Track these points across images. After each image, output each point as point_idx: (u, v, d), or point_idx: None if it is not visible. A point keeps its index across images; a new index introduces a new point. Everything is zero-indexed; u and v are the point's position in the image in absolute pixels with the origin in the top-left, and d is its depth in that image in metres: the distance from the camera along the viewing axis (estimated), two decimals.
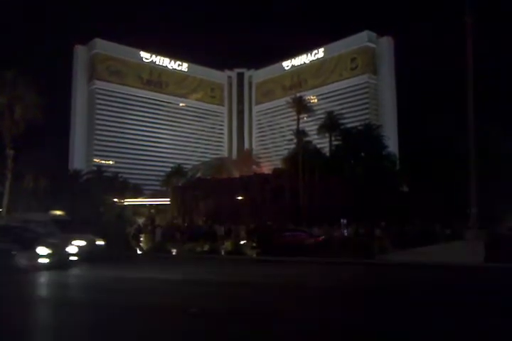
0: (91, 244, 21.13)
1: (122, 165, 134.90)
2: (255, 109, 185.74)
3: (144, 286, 13.07)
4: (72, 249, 17.66)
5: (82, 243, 20.40)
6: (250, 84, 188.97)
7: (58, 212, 23.87)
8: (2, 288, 12.48)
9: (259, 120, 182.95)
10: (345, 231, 35.89)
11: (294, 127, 57.84)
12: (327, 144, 57.16)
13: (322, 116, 58.59)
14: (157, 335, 7.22)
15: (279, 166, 65.77)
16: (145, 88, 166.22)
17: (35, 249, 16.12)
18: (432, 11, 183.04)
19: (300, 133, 53.30)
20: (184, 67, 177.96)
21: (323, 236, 26.06)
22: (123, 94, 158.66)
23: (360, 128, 55.55)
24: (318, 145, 59.67)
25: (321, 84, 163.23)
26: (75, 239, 20.27)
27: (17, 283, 13.59)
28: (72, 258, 17.94)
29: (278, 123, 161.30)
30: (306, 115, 59.85)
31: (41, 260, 16.08)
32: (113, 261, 21.02)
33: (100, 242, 22.26)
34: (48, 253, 16.20)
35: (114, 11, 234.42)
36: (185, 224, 47.69)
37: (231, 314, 8.68)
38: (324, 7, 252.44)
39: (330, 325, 7.87)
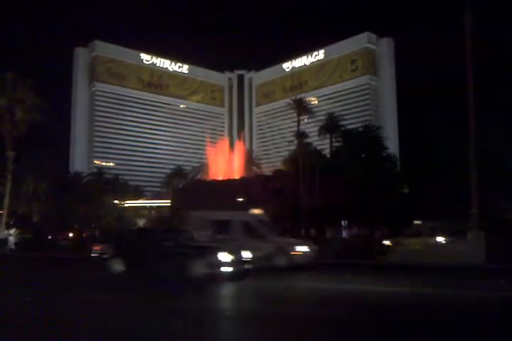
0: (312, 249, 18.27)
1: (123, 167, 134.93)
2: (255, 110, 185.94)
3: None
4: (247, 254, 14.91)
5: (305, 248, 17.79)
6: (250, 85, 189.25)
7: (258, 211, 20.58)
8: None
9: (259, 121, 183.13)
10: (344, 232, 36.00)
11: (295, 129, 57.87)
12: (327, 145, 57.15)
13: (322, 117, 58.58)
14: None
15: (280, 168, 65.76)
16: (145, 90, 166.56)
17: (216, 254, 13.62)
18: (432, 12, 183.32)
19: (300, 135, 53.26)
20: (184, 68, 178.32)
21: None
22: (123, 96, 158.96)
23: (360, 129, 55.52)
24: (319, 147, 59.70)
25: (321, 85, 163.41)
26: (298, 244, 17.96)
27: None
28: (246, 266, 14.90)
29: (278, 125, 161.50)
30: (306, 116, 59.88)
31: (224, 268, 13.57)
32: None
33: (315, 247, 19.29)
34: (232, 261, 13.72)
35: (114, 13, 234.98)
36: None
37: None
38: (324, 8, 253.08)
39: None
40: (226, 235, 17.47)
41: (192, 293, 11.99)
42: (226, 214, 20.33)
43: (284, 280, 14.80)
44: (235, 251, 14.26)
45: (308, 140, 57.13)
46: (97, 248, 15.94)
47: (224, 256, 13.63)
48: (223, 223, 18.33)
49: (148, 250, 14.54)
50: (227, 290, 13.10)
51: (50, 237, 36.14)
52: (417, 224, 35.44)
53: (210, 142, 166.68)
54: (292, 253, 17.08)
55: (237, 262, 14.01)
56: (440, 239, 26.14)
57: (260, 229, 18.10)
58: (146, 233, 16.53)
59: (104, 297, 11.03)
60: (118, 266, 14.59)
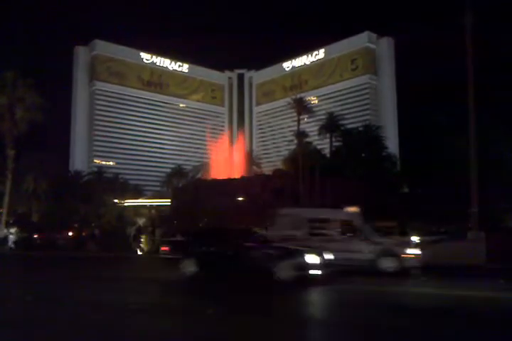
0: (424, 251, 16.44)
1: (123, 166, 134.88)
2: (256, 109, 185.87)
3: None
4: (329, 256, 13.73)
5: (417, 251, 16.05)
6: (251, 85, 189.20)
7: (354, 209, 18.39)
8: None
9: (259, 121, 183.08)
10: None
11: (295, 128, 57.94)
12: (327, 145, 57.20)
13: (322, 117, 58.64)
14: None
15: (280, 167, 65.77)
16: (145, 89, 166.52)
17: (303, 256, 12.75)
18: (432, 12, 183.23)
19: (300, 134, 53.32)
20: (184, 67, 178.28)
21: None
22: (123, 95, 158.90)
23: (360, 129, 55.58)
24: (319, 146, 59.74)
25: (321, 85, 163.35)
26: (408, 246, 16.30)
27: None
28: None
29: (278, 124, 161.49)
30: (306, 116, 59.94)
31: (312, 271, 12.68)
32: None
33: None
34: (321, 263, 12.83)
35: (114, 12, 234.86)
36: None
37: None
38: (324, 8, 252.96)
39: None
40: (323, 235, 16.28)
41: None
42: (323, 212, 18.71)
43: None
44: (322, 252, 13.36)
45: (308, 139, 57.18)
46: (165, 248, 15.15)
47: (312, 258, 12.76)
48: (320, 222, 16.88)
49: (226, 250, 13.65)
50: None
51: (35, 236, 35.94)
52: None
53: (210, 141, 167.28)
54: (403, 255, 15.52)
55: (326, 264, 13.12)
56: (414, 238, 26.12)
57: (364, 229, 16.54)
58: (221, 232, 15.62)
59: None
60: (191, 268, 13.79)
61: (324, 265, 12.99)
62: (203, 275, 13.79)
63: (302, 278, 12.56)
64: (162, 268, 16.12)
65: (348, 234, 16.19)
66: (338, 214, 17.63)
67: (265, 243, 14.12)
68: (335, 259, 13.87)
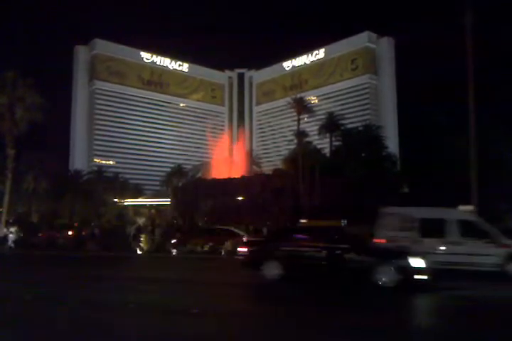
0: None
1: (123, 166, 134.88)
2: (256, 109, 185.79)
3: None
4: (439, 260, 12.80)
5: None
6: (251, 84, 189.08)
7: (469, 208, 16.99)
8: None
9: (259, 120, 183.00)
10: None
11: (295, 127, 57.97)
12: (327, 145, 57.25)
13: (322, 116, 58.68)
14: None
15: (280, 167, 65.82)
16: (145, 88, 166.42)
17: (406, 259, 11.56)
18: (432, 11, 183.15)
19: (300, 134, 53.36)
20: (185, 67, 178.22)
21: None
22: (123, 94, 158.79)
23: (360, 128, 55.61)
24: (319, 146, 59.78)
25: (321, 84, 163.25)
26: None
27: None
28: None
29: (278, 124, 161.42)
30: (306, 115, 59.99)
31: (417, 276, 11.44)
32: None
33: None
34: (427, 267, 11.62)
35: (114, 11, 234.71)
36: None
37: None
38: (324, 8, 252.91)
39: None
40: (437, 237, 15.15)
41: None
42: (436, 211, 16.74)
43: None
44: (429, 255, 12.31)
45: (308, 139, 57.23)
46: (243, 248, 14.18)
47: (417, 261, 11.56)
48: (433, 222, 15.56)
49: (316, 251, 12.54)
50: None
51: (21, 235, 35.93)
52: (304, 223, 35.30)
53: (210, 141, 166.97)
54: None
55: (432, 269, 11.88)
56: None
57: (489, 231, 15.09)
58: (309, 231, 14.40)
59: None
60: (274, 270, 12.79)
61: (432, 269, 11.84)
62: (288, 278, 12.64)
63: (406, 283, 11.43)
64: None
65: (468, 236, 15.01)
66: (454, 213, 16.56)
67: (363, 244, 13.29)
68: (450, 263, 13.13)
